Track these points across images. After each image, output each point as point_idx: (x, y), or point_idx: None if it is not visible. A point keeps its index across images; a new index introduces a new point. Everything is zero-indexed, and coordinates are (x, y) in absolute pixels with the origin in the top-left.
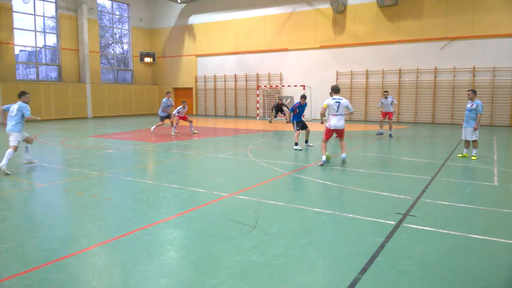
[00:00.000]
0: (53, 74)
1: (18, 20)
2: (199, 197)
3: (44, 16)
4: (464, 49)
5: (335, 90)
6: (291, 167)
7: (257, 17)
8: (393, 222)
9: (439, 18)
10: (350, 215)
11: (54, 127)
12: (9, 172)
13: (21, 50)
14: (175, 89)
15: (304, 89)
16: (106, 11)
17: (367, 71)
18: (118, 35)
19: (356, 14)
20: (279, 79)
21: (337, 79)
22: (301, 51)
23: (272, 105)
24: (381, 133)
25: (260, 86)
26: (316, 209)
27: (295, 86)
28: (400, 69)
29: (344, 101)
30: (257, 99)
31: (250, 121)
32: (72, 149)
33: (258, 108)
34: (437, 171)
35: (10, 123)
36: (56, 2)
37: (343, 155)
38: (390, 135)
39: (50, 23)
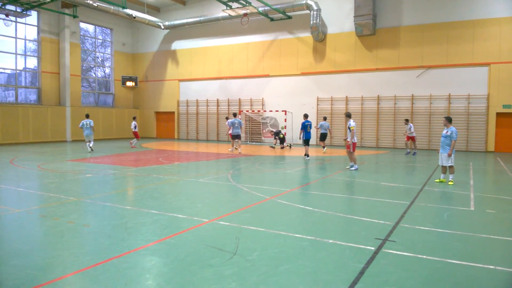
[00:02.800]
0: (33, 97)
1: (0, 43)
2: (179, 223)
3: (25, 39)
4: (439, 77)
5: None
6: (272, 192)
7: (239, 44)
8: (373, 248)
9: (415, 48)
10: (330, 241)
11: (32, 150)
12: None
13: (0, 73)
14: (157, 113)
15: (285, 114)
16: (88, 35)
17: (346, 97)
18: (100, 59)
19: (335, 43)
20: (261, 104)
21: (317, 104)
22: (283, 77)
23: (273, 132)
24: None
25: (242, 111)
26: (297, 235)
27: (276, 111)
28: (378, 95)
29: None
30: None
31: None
32: (49, 173)
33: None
34: (416, 196)
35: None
36: (38, 26)
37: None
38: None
39: (32, 46)
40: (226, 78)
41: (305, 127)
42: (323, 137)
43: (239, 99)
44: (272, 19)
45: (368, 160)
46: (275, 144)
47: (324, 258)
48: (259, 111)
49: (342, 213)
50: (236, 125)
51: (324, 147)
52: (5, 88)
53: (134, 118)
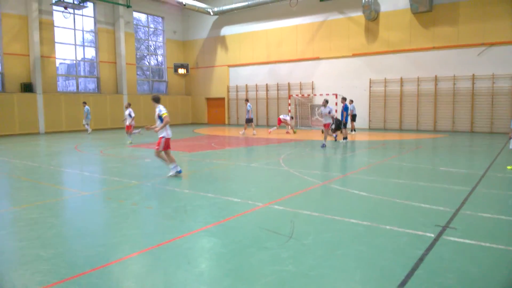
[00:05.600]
0: (91, 86)
1: (59, 35)
2: (235, 207)
3: (83, 30)
4: (503, 55)
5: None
6: (324, 177)
7: (288, 27)
8: (432, 235)
9: (475, 24)
10: (387, 227)
11: (94, 137)
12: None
13: (61, 63)
14: (208, 99)
15: (336, 97)
16: (141, 24)
17: (401, 78)
18: (153, 47)
19: (389, 21)
20: (311, 87)
21: (370, 87)
22: (333, 60)
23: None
24: None
25: (291, 95)
26: (352, 220)
27: (327, 94)
28: (436, 76)
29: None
30: (289, 108)
31: (282, 130)
32: (111, 158)
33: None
34: (477, 182)
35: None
36: (94, 17)
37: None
38: None
39: (89, 36)
40: (275, 62)
41: (347, 110)
42: (353, 118)
43: (288, 83)
44: (322, 0)
45: (425, 144)
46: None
47: (381, 244)
48: (308, 95)
49: (399, 199)
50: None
51: (354, 130)
52: (65, 77)
53: (129, 105)
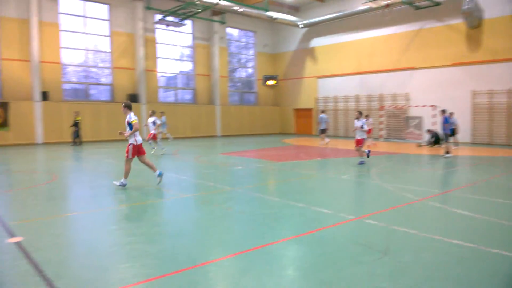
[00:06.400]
0: (188, 97)
1: (160, 50)
2: (325, 218)
3: (181, 46)
4: None
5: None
6: (422, 193)
7: (380, 37)
8: None
9: None
10: (494, 250)
11: (189, 144)
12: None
13: (161, 76)
14: (296, 110)
15: (434, 109)
16: (234, 39)
17: (510, 90)
18: (244, 60)
19: (494, 28)
20: (405, 99)
21: (472, 98)
22: (430, 69)
23: (431, 131)
24: None
25: (383, 107)
26: (454, 241)
27: (423, 106)
28: None
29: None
30: (381, 120)
31: (373, 143)
32: (205, 165)
33: (381, 129)
34: None
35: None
36: (192, 33)
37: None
38: None
39: (187, 51)
40: (366, 73)
41: (447, 123)
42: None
43: (380, 94)
44: (417, 8)
45: None
46: (424, 143)
47: (487, 269)
48: (402, 106)
49: (507, 220)
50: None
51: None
52: (165, 89)
53: (153, 113)
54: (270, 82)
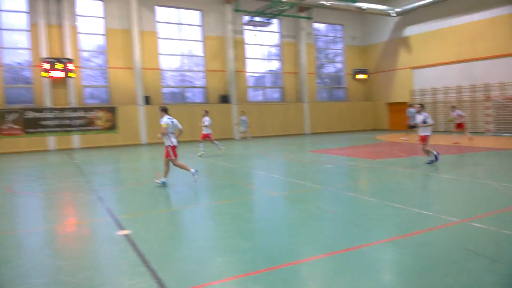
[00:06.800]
0: (276, 95)
1: (249, 51)
2: (426, 220)
3: (268, 45)
4: None
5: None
6: None
7: (484, 20)
8: None
9: None
10: None
11: (278, 142)
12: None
13: (250, 76)
14: (389, 104)
15: None
16: (321, 34)
17: None
18: (332, 55)
19: None
20: None
21: None
22: None
23: None
24: None
25: (491, 97)
26: None
27: None
28: None
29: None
30: (487, 112)
31: (478, 137)
32: (294, 163)
33: (488, 123)
34: None
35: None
36: (279, 32)
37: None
38: None
39: (274, 50)
40: (468, 60)
41: None
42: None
43: (486, 84)
44: None
45: None
46: None
47: None
48: None
49: None
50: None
51: None
52: (254, 89)
53: (206, 113)
54: (360, 76)
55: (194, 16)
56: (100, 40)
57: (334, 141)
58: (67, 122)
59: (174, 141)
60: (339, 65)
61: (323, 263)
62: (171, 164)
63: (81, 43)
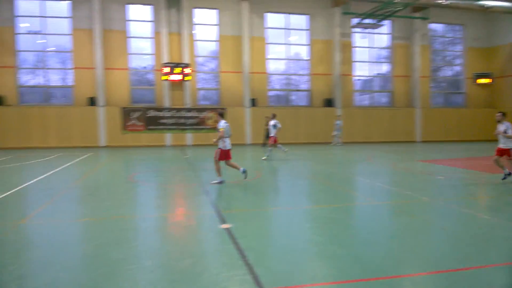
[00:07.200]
0: (384, 100)
1: (356, 54)
2: None
3: (378, 48)
4: None
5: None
6: None
7: None
8: None
9: None
10: None
11: (384, 149)
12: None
13: (357, 79)
14: None
15: None
16: (437, 35)
17: None
18: (450, 58)
19: None
20: None
21: None
22: None
23: None
24: None
25: None
26: None
27: None
28: None
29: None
30: None
31: None
32: (401, 172)
33: None
34: None
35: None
36: (391, 33)
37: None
38: None
39: (383, 53)
40: None
41: None
42: None
43: None
44: None
45: None
46: None
47: None
48: None
49: None
50: None
51: None
52: (361, 93)
53: (274, 116)
54: (483, 81)
55: (301, 20)
56: (213, 46)
57: (449, 151)
58: (182, 121)
59: (227, 145)
60: (457, 68)
61: (427, 281)
62: (224, 165)
63: (197, 49)
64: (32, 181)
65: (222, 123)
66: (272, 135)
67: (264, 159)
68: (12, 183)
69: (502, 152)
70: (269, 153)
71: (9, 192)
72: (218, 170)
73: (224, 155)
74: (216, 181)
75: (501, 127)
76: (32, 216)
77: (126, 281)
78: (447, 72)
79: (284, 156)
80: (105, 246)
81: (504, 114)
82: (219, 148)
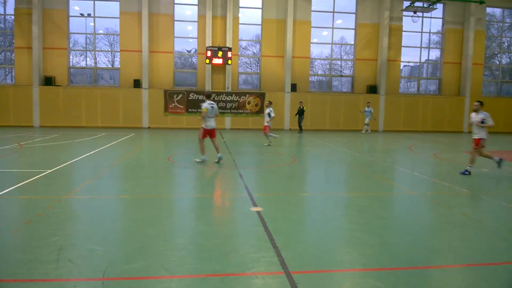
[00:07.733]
0: (432, 87)
1: (405, 38)
2: None
3: (430, 32)
4: None
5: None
6: None
7: None
8: None
9: None
10: None
11: (428, 139)
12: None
13: (404, 66)
14: None
15: None
16: (495, 20)
17: None
18: (507, 44)
19: None
20: None
21: None
22: None
23: None
24: None
25: None
26: None
27: None
28: None
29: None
30: None
31: None
32: (443, 163)
33: None
34: None
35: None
36: (443, 18)
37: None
38: None
39: (435, 38)
40: None
41: None
42: None
43: None
44: None
45: None
46: None
47: None
48: None
49: None
50: None
51: None
52: (407, 80)
53: (270, 104)
54: None
55: (349, 3)
56: (257, 30)
57: (499, 143)
58: (222, 104)
59: (209, 124)
60: None
61: (458, 273)
62: (211, 143)
63: (240, 33)
64: (78, 158)
65: (206, 104)
66: (266, 124)
67: (266, 145)
68: (59, 160)
69: (475, 142)
70: (270, 138)
71: (56, 168)
72: (202, 149)
73: (207, 133)
74: (199, 159)
75: (477, 116)
76: (76, 191)
77: (157, 257)
78: (503, 59)
79: (274, 142)
80: (141, 222)
81: (481, 104)
82: (202, 127)
